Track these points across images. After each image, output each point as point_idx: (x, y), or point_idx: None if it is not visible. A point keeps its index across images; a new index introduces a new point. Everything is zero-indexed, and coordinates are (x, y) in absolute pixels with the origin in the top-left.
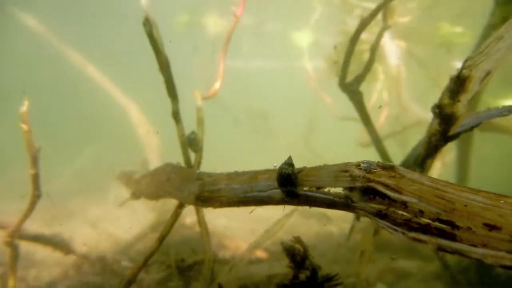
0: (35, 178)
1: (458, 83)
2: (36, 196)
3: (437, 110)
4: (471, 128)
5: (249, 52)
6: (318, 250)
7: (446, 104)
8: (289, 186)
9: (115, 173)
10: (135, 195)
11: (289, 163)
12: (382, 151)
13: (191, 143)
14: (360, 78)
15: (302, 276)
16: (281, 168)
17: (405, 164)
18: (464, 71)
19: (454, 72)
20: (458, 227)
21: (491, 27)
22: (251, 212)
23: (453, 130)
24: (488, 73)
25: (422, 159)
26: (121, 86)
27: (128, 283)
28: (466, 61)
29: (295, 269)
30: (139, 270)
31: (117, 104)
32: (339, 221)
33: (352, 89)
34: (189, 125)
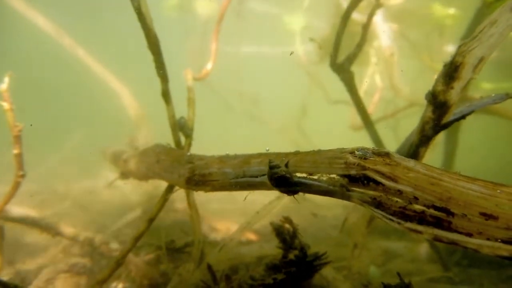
0: (19, 158)
1: (452, 70)
2: (20, 176)
3: (430, 97)
4: (464, 117)
5: (239, 37)
6: (309, 233)
7: (439, 91)
8: (286, 185)
9: (101, 150)
10: (124, 175)
11: (274, 165)
12: (373, 134)
13: (181, 127)
14: (351, 58)
15: (292, 255)
16: (271, 173)
17: (399, 152)
18: (457, 57)
19: (447, 56)
20: (453, 214)
21: (486, 7)
22: (245, 199)
23: (446, 118)
24: (481, 60)
25: (415, 148)
26: (111, 67)
27: (116, 264)
28: (459, 47)
29: (284, 249)
30: (128, 251)
31: (108, 87)
32: (331, 205)
33: (344, 69)
34: (183, 108)
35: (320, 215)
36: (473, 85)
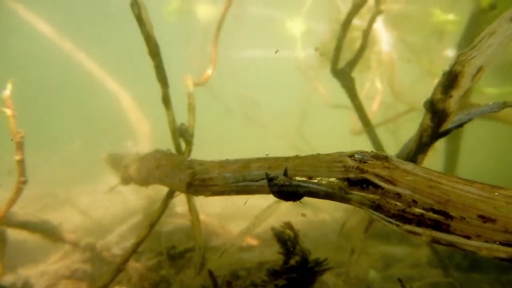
0: (21, 164)
1: (450, 78)
2: (22, 182)
3: (429, 105)
4: (462, 125)
5: (240, 41)
6: (310, 237)
7: (438, 99)
8: (286, 194)
9: (102, 155)
10: (125, 180)
11: (271, 177)
12: (374, 139)
13: (182, 134)
14: (352, 63)
15: (293, 261)
16: (270, 186)
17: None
18: (456, 66)
19: (446, 61)
20: (452, 217)
21: (480, 13)
22: (245, 203)
23: (445, 126)
24: (480, 69)
25: (413, 155)
26: (112, 73)
27: (117, 270)
28: (458, 56)
29: (285, 254)
30: (128, 257)
31: (109, 91)
32: (331, 209)
33: (344, 74)
34: (184, 112)
35: (320, 219)
36: (474, 90)
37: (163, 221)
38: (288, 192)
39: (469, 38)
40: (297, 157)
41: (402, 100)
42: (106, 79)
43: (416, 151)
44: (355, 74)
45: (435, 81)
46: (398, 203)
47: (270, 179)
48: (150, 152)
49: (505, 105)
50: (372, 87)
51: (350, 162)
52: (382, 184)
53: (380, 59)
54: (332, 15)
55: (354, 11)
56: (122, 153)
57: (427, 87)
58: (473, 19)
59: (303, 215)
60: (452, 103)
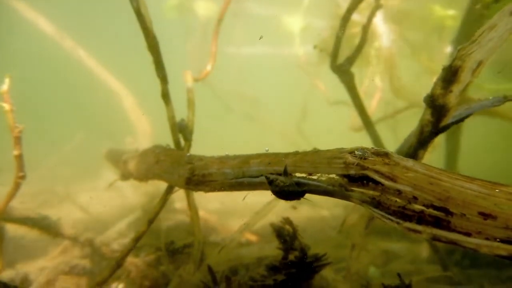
0: (19, 159)
1: (451, 73)
2: (20, 177)
3: (429, 100)
4: (462, 119)
5: (239, 38)
6: (309, 233)
7: (438, 94)
8: (288, 195)
9: (102, 151)
10: (124, 176)
11: (271, 180)
12: (373, 135)
13: (181, 130)
14: (351, 59)
15: (291, 256)
16: (271, 189)
17: (398, 154)
18: (456, 60)
19: (446, 57)
20: (452, 214)
21: (482, 8)
22: (244, 198)
23: (445, 121)
24: (480, 63)
25: (414, 150)
26: (111, 69)
27: (116, 265)
28: (458, 50)
29: (284, 250)
30: (128, 252)
31: (108, 89)
32: (331, 205)
33: (344, 70)
34: (183, 109)
35: (320, 216)
36: (475, 86)
37: (162, 217)
38: (288, 191)
39: (465, 34)
40: (297, 153)
41: (401, 96)
42: (105, 75)
43: (417, 146)
44: (354, 70)
45: (435, 78)
46: (398, 200)
47: (270, 182)
48: (149, 147)
49: (505, 99)
50: (372, 84)
51: (350, 159)
52: (383, 180)
53: (379, 55)
54: (332, 10)
55: (354, 6)
56: (122, 149)
57: (427, 84)
58: (470, 15)
59: (294, 207)
60: (453, 98)
